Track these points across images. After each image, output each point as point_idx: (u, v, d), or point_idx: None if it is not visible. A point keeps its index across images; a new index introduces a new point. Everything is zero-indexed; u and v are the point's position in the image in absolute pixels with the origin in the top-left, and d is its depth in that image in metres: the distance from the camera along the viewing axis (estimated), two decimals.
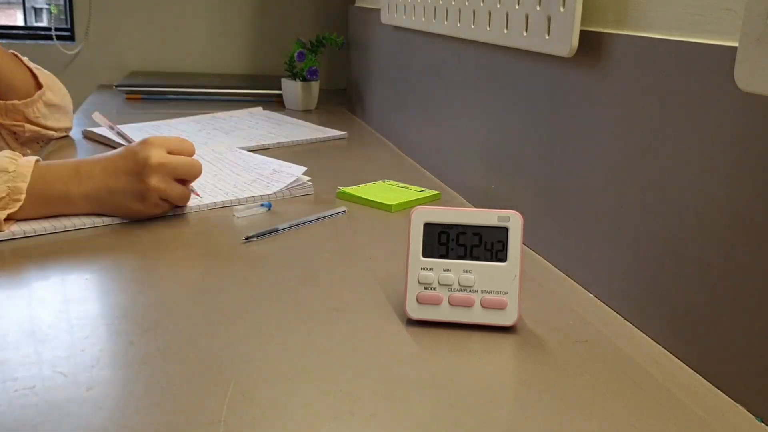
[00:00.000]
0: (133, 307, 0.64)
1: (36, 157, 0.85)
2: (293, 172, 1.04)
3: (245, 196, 0.97)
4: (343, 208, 0.93)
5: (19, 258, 0.75)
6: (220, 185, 1.02)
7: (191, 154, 0.89)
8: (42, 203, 0.83)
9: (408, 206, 0.97)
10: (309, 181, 1.03)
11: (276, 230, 0.85)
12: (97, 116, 0.94)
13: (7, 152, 0.84)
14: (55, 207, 0.84)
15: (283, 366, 0.54)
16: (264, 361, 0.55)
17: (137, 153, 0.84)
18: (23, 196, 0.81)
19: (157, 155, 0.84)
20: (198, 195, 0.94)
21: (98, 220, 0.85)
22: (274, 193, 1.00)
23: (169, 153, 0.86)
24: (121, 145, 1.06)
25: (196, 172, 0.89)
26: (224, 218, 0.90)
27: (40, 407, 0.48)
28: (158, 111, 1.62)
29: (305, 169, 1.05)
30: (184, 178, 0.88)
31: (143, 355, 0.55)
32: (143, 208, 0.85)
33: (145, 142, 0.85)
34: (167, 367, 0.54)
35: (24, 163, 0.83)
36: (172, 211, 0.90)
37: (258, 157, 1.15)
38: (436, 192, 1.03)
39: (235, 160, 1.14)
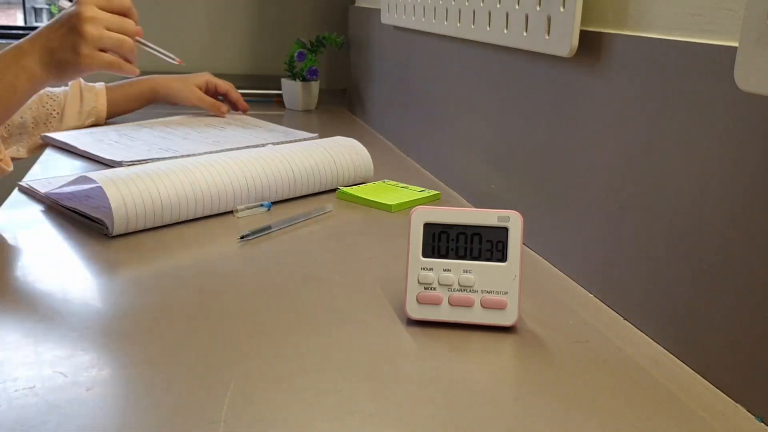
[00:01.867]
0: (133, 307, 0.64)
1: None
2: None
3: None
4: (330, 206, 0.94)
5: (18, 258, 0.75)
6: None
7: (126, 9, 0.96)
8: (6, 89, 0.92)
9: (408, 206, 0.97)
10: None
11: (269, 228, 0.85)
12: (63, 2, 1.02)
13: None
14: (18, 89, 0.92)
15: (283, 366, 0.54)
16: (264, 361, 0.55)
17: (69, 11, 0.93)
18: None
19: (87, 10, 0.92)
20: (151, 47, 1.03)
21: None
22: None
23: (102, 8, 0.94)
24: (85, 153, 1.15)
25: (129, 27, 0.96)
26: (223, 219, 0.90)
27: (40, 407, 0.48)
28: (158, 111, 1.62)
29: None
30: (120, 32, 0.95)
31: (143, 355, 0.55)
32: (81, 60, 0.92)
33: (78, 1, 0.93)
34: (167, 367, 0.54)
35: None
36: (120, 69, 0.97)
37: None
38: (436, 192, 1.03)
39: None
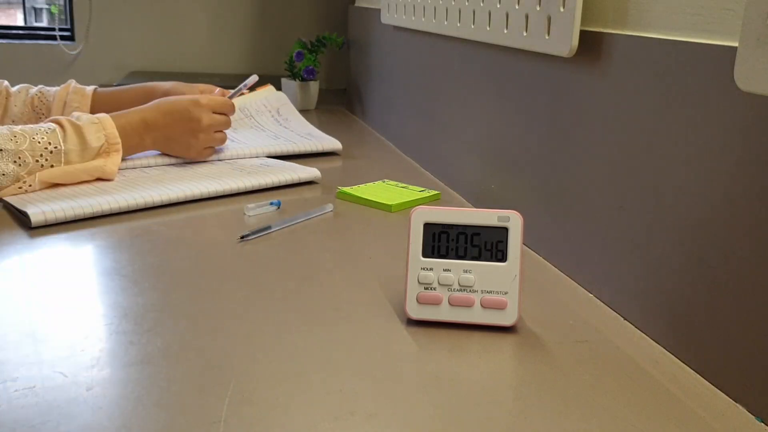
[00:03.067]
0: (133, 307, 0.64)
1: (103, 115, 1.01)
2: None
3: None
4: (330, 206, 0.94)
5: (19, 258, 0.75)
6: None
7: (230, 112, 1.14)
8: (124, 149, 1.02)
9: (408, 206, 0.97)
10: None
11: (269, 228, 0.85)
12: None
13: (78, 113, 0.99)
14: (131, 151, 1.06)
15: (283, 366, 0.54)
16: (264, 360, 0.55)
17: (191, 112, 1.08)
18: (119, 143, 1.00)
19: (207, 117, 1.09)
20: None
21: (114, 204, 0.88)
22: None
23: (214, 112, 1.10)
24: None
25: (227, 126, 1.14)
26: (223, 219, 0.90)
27: (40, 407, 0.48)
28: None
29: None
30: (222, 130, 1.13)
31: (143, 355, 0.55)
32: (188, 155, 1.10)
33: (197, 104, 1.08)
34: (167, 367, 0.54)
35: (103, 117, 1.00)
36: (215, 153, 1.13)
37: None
38: (436, 192, 1.03)
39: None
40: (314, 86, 1.75)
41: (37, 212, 0.83)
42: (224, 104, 1.13)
